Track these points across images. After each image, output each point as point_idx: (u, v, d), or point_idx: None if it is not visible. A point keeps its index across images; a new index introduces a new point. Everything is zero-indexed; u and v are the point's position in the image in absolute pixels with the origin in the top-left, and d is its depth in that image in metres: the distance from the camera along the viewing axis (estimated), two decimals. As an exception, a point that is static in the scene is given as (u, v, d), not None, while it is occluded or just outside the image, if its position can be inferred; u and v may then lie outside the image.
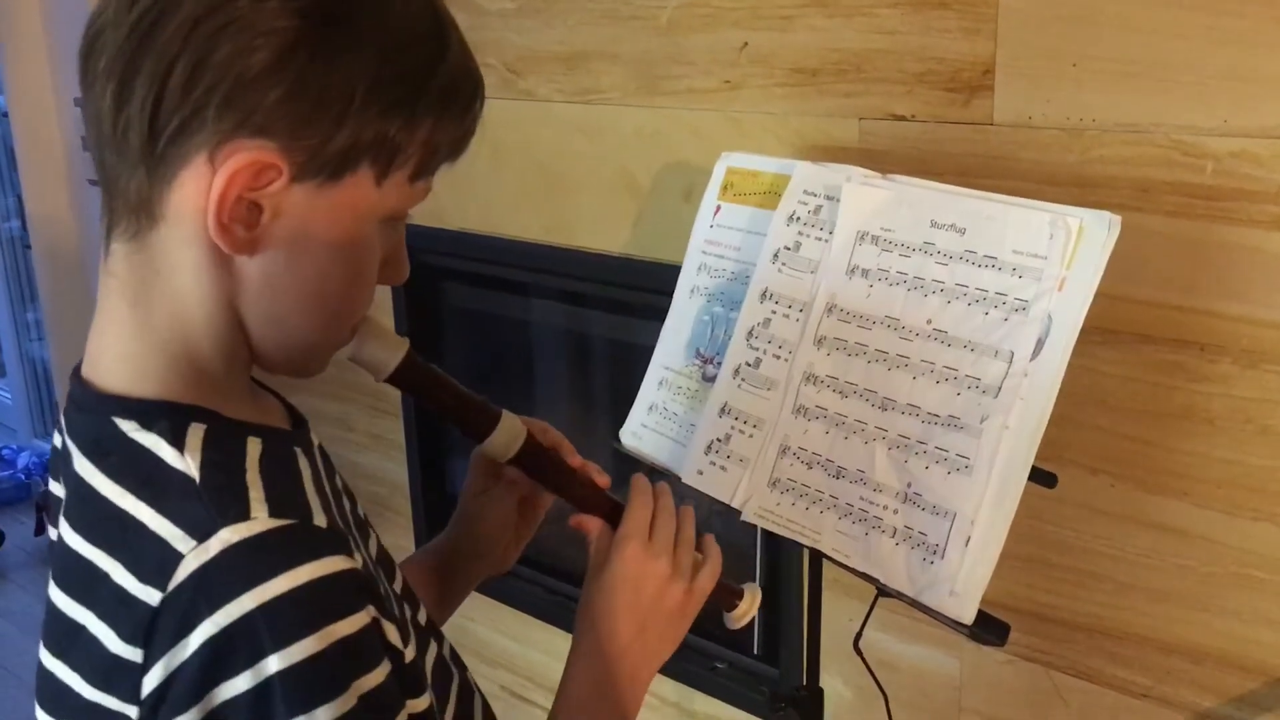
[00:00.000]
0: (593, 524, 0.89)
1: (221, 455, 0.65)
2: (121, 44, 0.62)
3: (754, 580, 1.58)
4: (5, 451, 3.81)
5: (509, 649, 2.05)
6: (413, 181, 0.68)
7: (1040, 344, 0.94)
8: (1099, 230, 0.94)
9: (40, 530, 3.37)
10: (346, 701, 0.61)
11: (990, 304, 0.97)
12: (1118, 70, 1.16)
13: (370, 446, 2.19)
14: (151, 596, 0.60)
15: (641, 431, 1.20)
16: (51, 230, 2.43)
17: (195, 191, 0.63)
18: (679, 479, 1.14)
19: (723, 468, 1.10)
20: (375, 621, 0.64)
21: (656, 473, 0.93)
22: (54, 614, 0.67)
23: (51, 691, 0.67)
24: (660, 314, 1.22)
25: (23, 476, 3.67)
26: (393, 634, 0.66)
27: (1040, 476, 0.97)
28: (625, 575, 0.85)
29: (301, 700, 0.60)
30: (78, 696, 0.65)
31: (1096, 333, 1.18)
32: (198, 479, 0.63)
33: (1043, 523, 1.30)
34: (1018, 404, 0.94)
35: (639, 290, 1.65)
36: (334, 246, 0.67)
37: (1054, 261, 0.95)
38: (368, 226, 0.68)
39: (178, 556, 0.60)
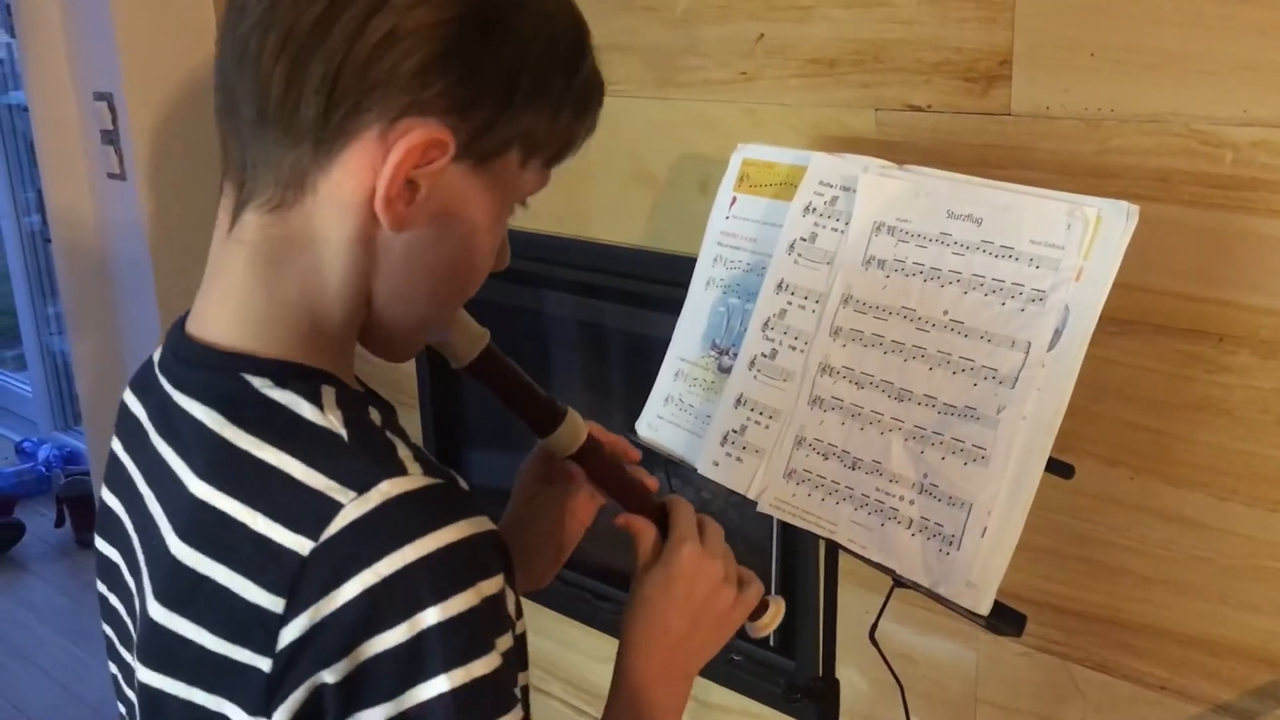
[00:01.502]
0: (643, 524, 0.90)
1: (358, 415, 0.67)
2: (295, 23, 0.63)
3: (772, 581, 1.58)
4: (26, 444, 3.84)
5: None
6: (545, 168, 0.71)
7: (1057, 334, 0.94)
8: (1117, 220, 0.93)
9: (61, 523, 3.40)
10: (494, 659, 0.62)
11: (1007, 294, 0.97)
12: (1136, 60, 1.15)
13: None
14: (302, 546, 0.60)
15: (657, 423, 1.20)
16: (71, 224, 2.44)
17: (360, 167, 0.65)
18: (695, 470, 1.14)
19: (738, 459, 1.10)
20: (505, 587, 0.65)
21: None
22: (173, 568, 0.66)
23: (164, 647, 0.67)
24: (676, 306, 1.22)
25: (43, 469, 3.69)
26: (511, 603, 0.67)
27: (1057, 467, 0.97)
28: (681, 573, 0.86)
29: (459, 654, 0.60)
30: (200, 649, 0.64)
31: (1114, 323, 1.18)
32: (345, 435, 0.65)
33: (1060, 514, 1.30)
34: (1034, 394, 0.94)
35: (654, 282, 1.65)
36: (475, 226, 0.69)
37: (1071, 252, 0.94)
38: (506, 209, 0.71)
39: (336, 506, 0.60)
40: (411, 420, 2.13)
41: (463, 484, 0.66)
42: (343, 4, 0.62)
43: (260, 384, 0.67)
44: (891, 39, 1.33)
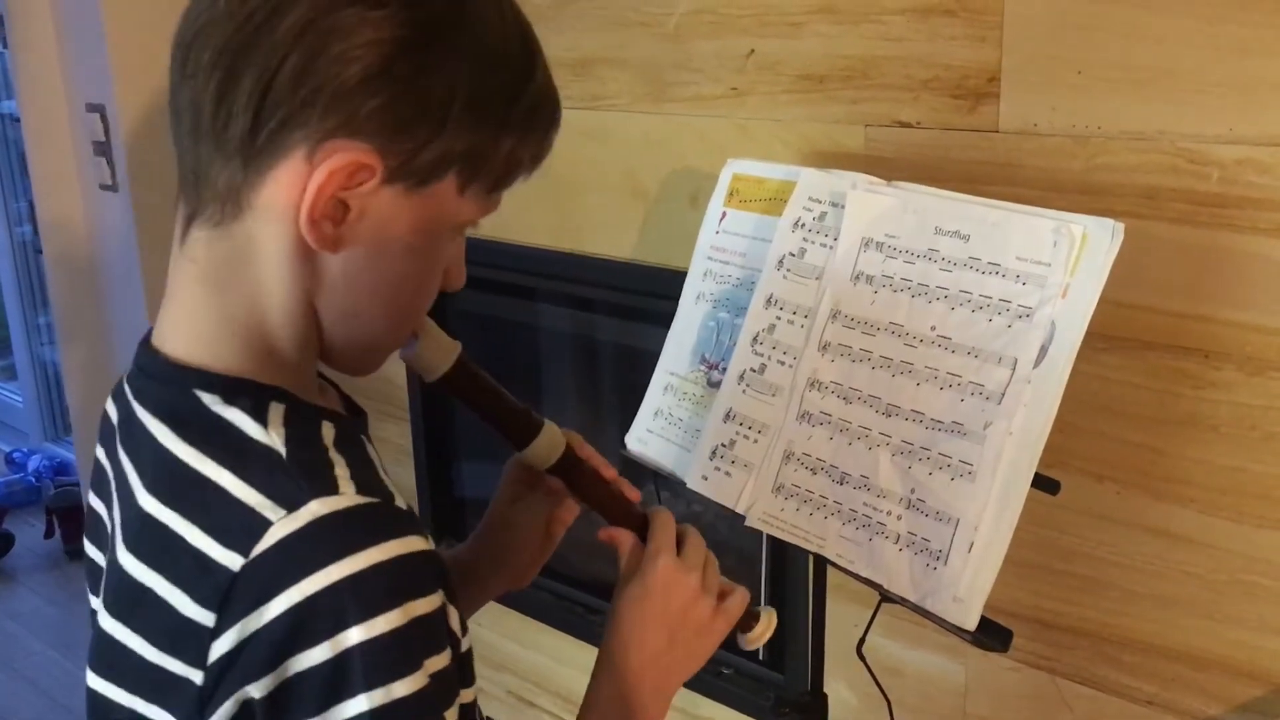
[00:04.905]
0: (624, 536, 0.90)
1: (303, 433, 0.67)
2: (230, 37, 0.63)
3: (761, 594, 1.58)
4: (16, 455, 3.82)
5: (515, 653, 2.05)
6: (490, 193, 0.71)
7: (1044, 350, 0.95)
8: (1102, 238, 0.94)
9: (50, 534, 3.39)
10: (420, 679, 0.62)
11: (994, 310, 0.98)
12: (1123, 78, 1.16)
13: (378, 451, 2.20)
14: (233, 561, 0.61)
15: (647, 437, 1.21)
16: (63, 235, 2.44)
17: (289, 186, 0.64)
18: (684, 484, 1.14)
19: (727, 473, 1.11)
20: (445, 605, 0.66)
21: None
22: (120, 577, 0.67)
23: (110, 655, 0.68)
24: (666, 319, 1.22)
25: (33, 480, 3.68)
26: (455, 620, 0.68)
27: (1043, 483, 0.97)
28: (656, 587, 0.86)
29: (380, 673, 0.61)
30: (139, 659, 0.65)
31: (1101, 339, 1.18)
32: (284, 453, 0.65)
33: (1049, 529, 1.30)
34: (1021, 410, 0.95)
35: (645, 295, 1.65)
36: (411, 249, 0.69)
37: (1057, 269, 0.95)
38: (444, 233, 0.70)
39: (265, 524, 0.61)
40: (401, 432, 2.13)
41: (400, 503, 0.66)
42: (276, 21, 0.62)
43: (209, 400, 0.67)
44: (881, 56, 1.34)
